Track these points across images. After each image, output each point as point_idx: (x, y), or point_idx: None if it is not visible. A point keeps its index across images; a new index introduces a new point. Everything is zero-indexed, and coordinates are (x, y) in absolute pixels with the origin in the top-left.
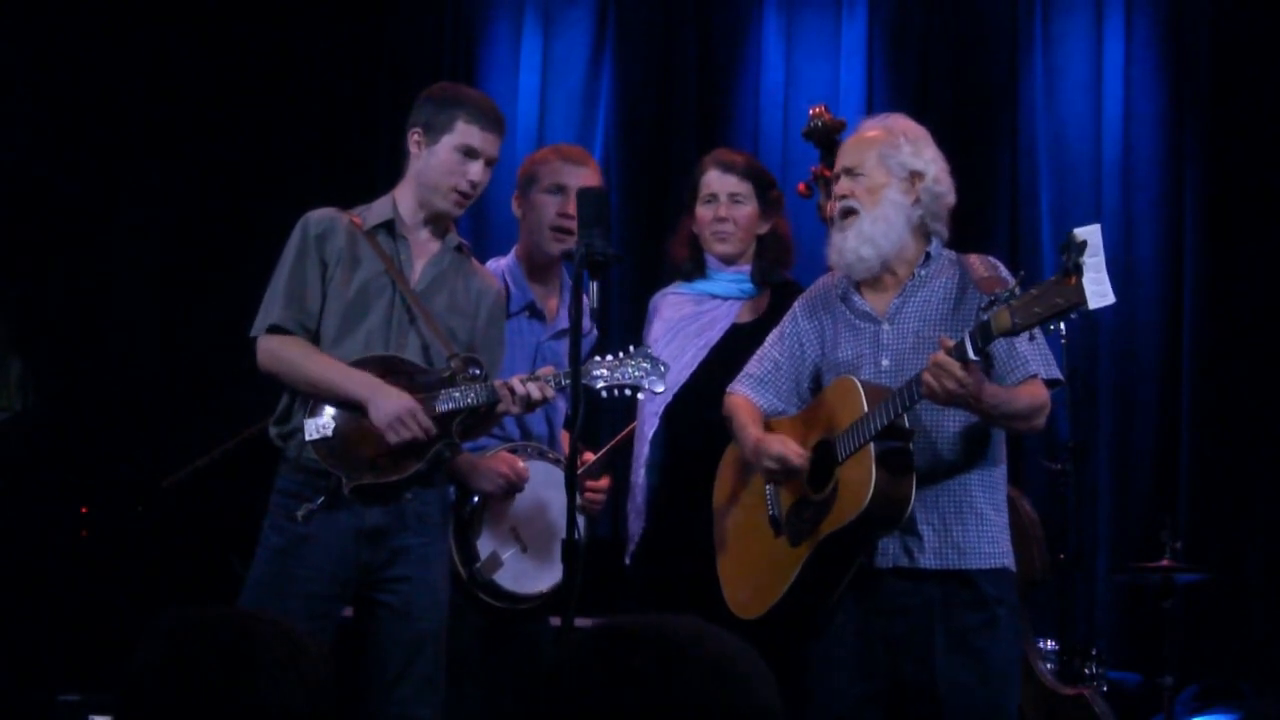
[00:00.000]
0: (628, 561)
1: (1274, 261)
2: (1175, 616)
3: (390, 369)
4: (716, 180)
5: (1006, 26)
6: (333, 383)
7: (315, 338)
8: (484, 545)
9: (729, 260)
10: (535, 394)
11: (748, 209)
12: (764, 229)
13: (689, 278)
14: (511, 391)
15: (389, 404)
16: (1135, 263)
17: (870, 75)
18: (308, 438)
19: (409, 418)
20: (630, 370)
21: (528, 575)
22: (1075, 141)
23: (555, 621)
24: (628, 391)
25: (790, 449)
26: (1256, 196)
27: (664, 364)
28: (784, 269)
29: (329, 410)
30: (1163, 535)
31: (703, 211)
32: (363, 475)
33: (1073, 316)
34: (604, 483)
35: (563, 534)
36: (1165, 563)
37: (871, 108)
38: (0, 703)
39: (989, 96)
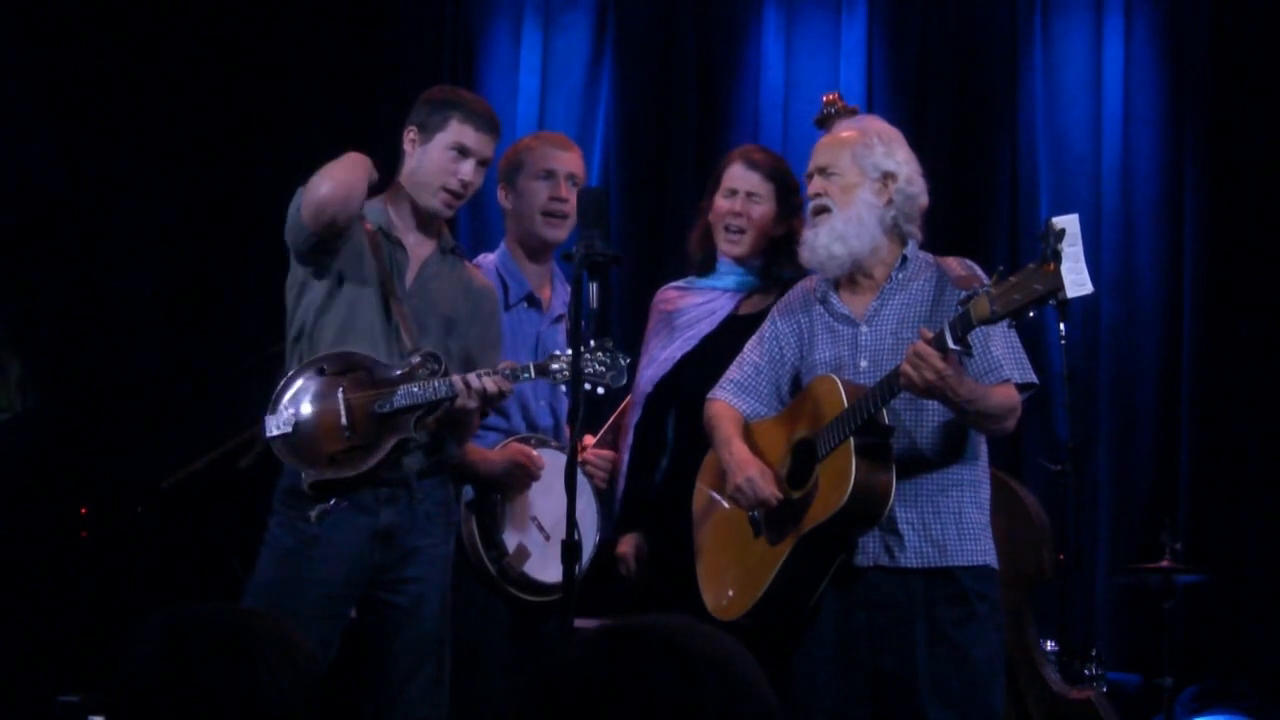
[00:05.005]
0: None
1: (1274, 261)
2: (1175, 617)
3: (350, 365)
4: (739, 176)
5: (1006, 26)
6: (334, 165)
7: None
8: (509, 538)
9: (739, 261)
10: (490, 388)
11: (763, 208)
12: (780, 230)
13: (699, 273)
14: (468, 385)
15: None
16: (1135, 263)
17: (870, 75)
18: (267, 434)
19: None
20: (591, 366)
21: (556, 563)
22: (1075, 141)
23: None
24: (587, 386)
25: (768, 485)
26: (1256, 197)
27: (625, 358)
28: (801, 269)
29: (289, 407)
30: (1163, 536)
31: (721, 203)
32: (322, 471)
33: (1051, 304)
34: (608, 453)
35: (583, 519)
36: (1165, 563)
37: (871, 107)
38: (0, 703)
39: (989, 96)
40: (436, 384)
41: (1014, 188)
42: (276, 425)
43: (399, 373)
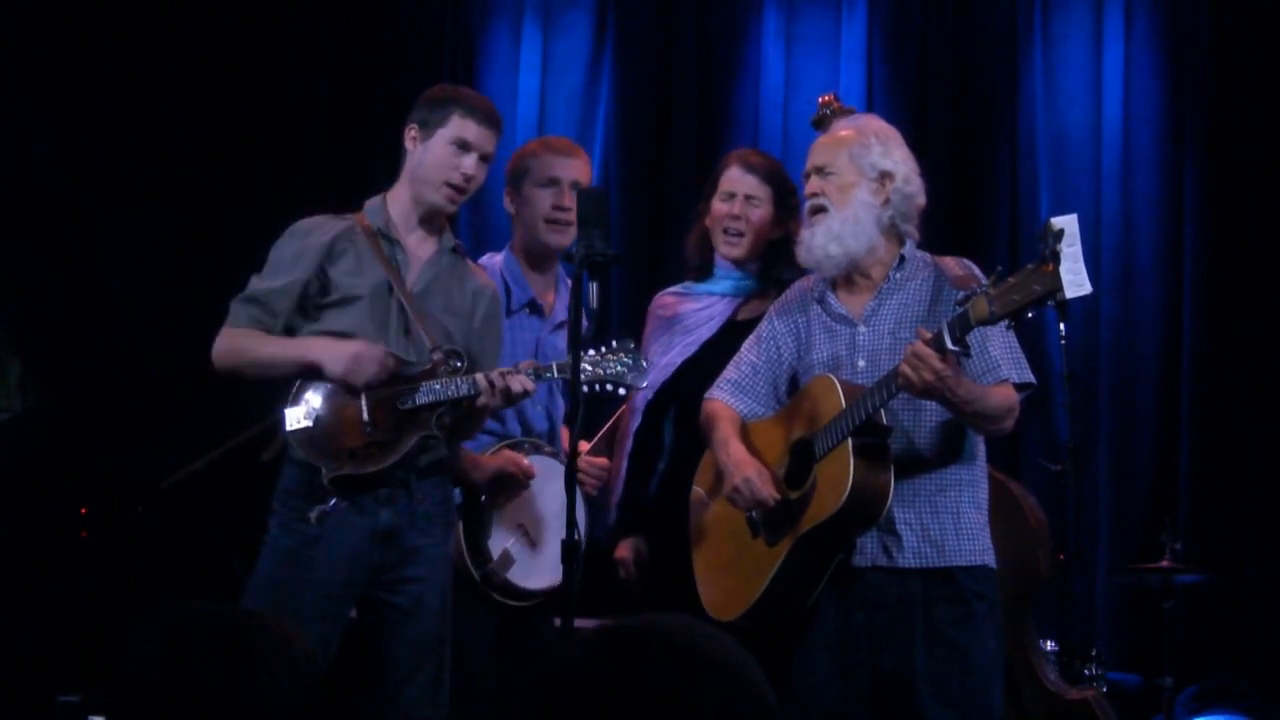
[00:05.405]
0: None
1: (1274, 261)
2: (1175, 617)
3: None
4: (737, 179)
5: (1006, 27)
6: (283, 354)
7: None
8: (495, 545)
9: (737, 264)
10: (515, 387)
11: (761, 212)
12: (777, 233)
13: (696, 277)
14: (491, 384)
15: (341, 354)
16: (1135, 263)
17: (870, 75)
18: (288, 428)
19: (359, 361)
20: (613, 366)
21: (539, 570)
22: (1075, 141)
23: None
24: (609, 387)
25: (766, 485)
26: (1256, 197)
27: (645, 359)
28: (799, 270)
29: (310, 400)
30: (1163, 536)
31: (719, 206)
32: (342, 466)
33: (1050, 305)
34: (601, 460)
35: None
36: (1165, 563)
37: (871, 108)
38: (0, 703)
39: (989, 96)
40: (459, 382)
41: (1014, 188)
42: (297, 419)
43: (421, 369)
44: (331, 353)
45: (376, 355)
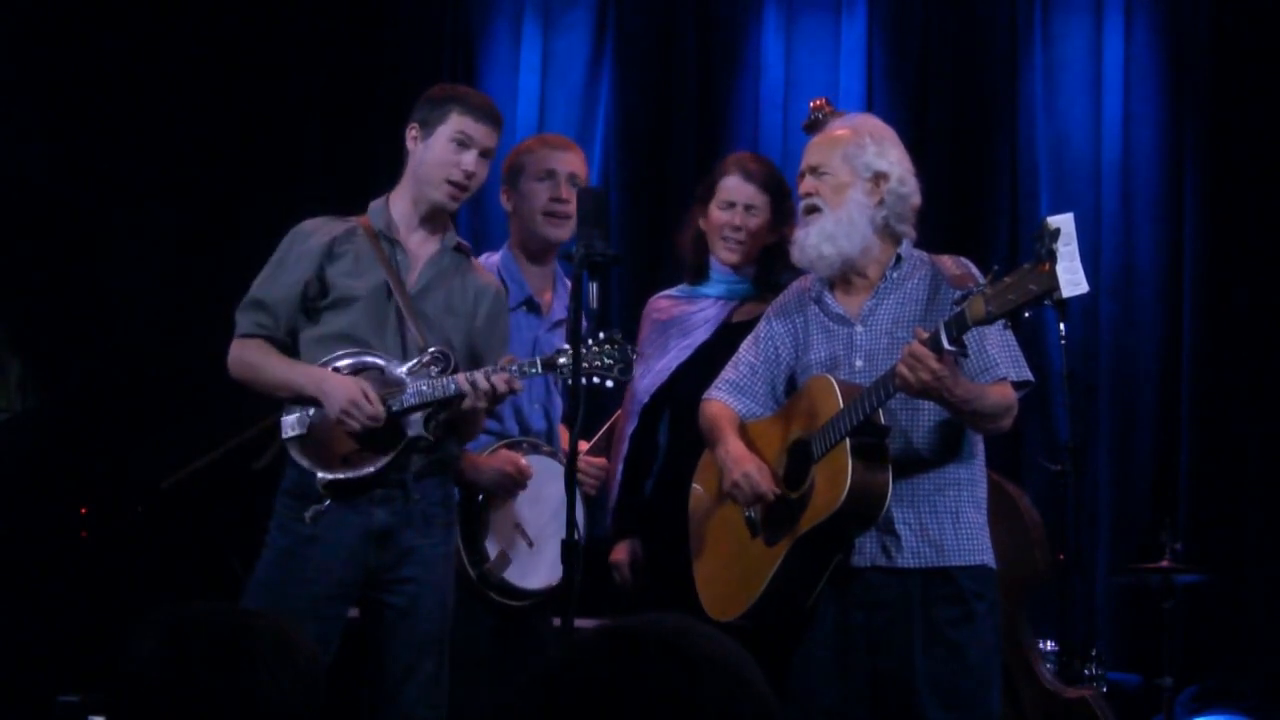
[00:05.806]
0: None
1: (1274, 261)
2: (1175, 617)
3: (362, 365)
4: (736, 187)
5: (1006, 26)
6: (287, 382)
7: (282, 345)
8: (492, 544)
9: (734, 268)
10: (500, 386)
11: (760, 220)
12: (773, 238)
13: (692, 280)
14: (473, 385)
15: (335, 395)
16: (1135, 263)
17: (870, 75)
18: (284, 435)
19: (351, 407)
20: (598, 359)
21: (536, 570)
22: (1075, 141)
23: (559, 621)
24: (595, 379)
25: (765, 480)
26: (1256, 197)
27: (634, 350)
28: (796, 271)
29: (304, 407)
30: (1163, 536)
31: (717, 214)
32: (335, 470)
33: (1047, 303)
34: (600, 460)
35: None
36: (1165, 563)
37: (871, 108)
38: (0, 703)
39: (989, 96)
40: (445, 381)
41: (1014, 188)
42: (291, 427)
43: (409, 371)
44: (327, 394)
45: (370, 407)
